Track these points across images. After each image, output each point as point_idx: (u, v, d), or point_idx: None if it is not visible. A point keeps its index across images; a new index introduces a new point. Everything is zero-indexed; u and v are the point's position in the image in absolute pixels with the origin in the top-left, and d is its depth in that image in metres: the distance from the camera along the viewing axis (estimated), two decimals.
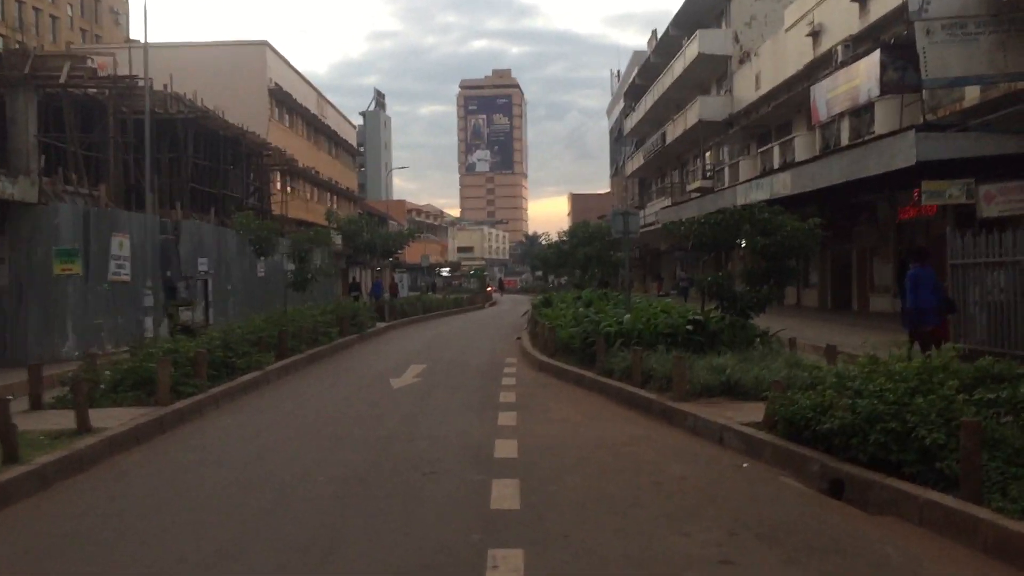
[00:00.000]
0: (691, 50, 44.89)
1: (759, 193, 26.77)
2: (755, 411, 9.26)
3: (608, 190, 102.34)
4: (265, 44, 45.53)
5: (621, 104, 76.28)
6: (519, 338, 22.94)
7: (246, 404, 11.86)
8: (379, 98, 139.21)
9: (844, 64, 27.17)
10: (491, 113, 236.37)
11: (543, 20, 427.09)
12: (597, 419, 10.52)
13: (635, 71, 65.78)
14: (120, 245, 19.79)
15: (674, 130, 49.38)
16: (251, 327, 16.19)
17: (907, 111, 23.40)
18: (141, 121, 25.28)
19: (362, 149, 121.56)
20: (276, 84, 45.60)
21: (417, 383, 13.98)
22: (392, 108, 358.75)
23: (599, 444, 8.87)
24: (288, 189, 48.54)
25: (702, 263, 42.74)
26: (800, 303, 34.61)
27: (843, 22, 28.80)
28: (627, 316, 14.35)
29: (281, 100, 47.00)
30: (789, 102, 33.79)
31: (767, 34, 40.31)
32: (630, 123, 66.31)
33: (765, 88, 37.07)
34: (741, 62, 42.37)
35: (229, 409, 11.38)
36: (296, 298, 24.33)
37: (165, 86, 27.97)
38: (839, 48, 27.90)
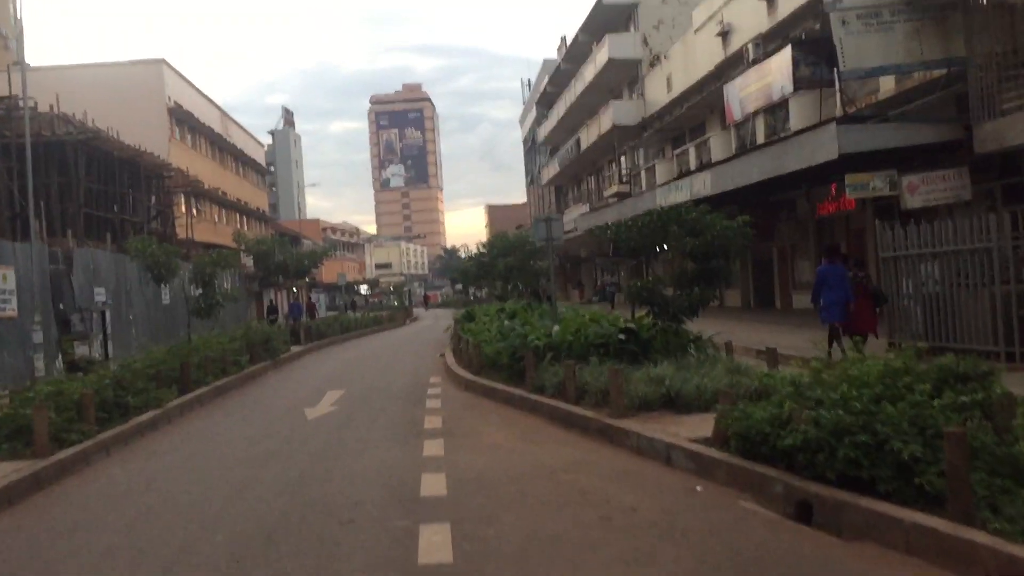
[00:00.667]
0: (601, 55, 44.70)
1: (679, 195, 26.43)
2: (701, 425, 8.57)
3: (524, 200, 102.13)
4: (162, 62, 43.67)
5: (534, 113, 76.00)
6: (442, 355, 22.00)
7: (141, 448, 10.65)
8: (287, 116, 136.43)
9: (755, 62, 27.10)
10: (403, 127, 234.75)
11: (451, 35, 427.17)
12: (532, 442, 9.69)
13: (546, 79, 65.57)
14: (3, 278, 18.22)
15: (588, 136, 49.13)
16: (151, 360, 14.93)
17: (823, 106, 23.32)
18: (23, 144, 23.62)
19: (272, 168, 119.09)
20: (176, 103, 43.77)
21: (334, 412, 12.93)
22: (303, 126, 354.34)
23: (537, 472, 8.04)
24: (194, 211, 46.63)
25: (627, 268, 42.58)
26: (723, 304, 34.43)
27: (752, 21, 28.74)
28: (556, 328, 13.57)
29: (182, 119, 45.15)
30: (702, 103, 33.72)
31: (676, 37, 40.30)
32: (543, 131, 66.00)
33: (677, 90, 37.00)
34: (651, 65, 42.31)
35: (121, 456, 10.17)
36: (204, 325, 22.95)
37: (51, 107, 26.25)
38: (749, 47, 27.82)
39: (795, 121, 23.88)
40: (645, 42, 43.07)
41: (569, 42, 55.55)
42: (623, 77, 45.70)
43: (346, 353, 26.51)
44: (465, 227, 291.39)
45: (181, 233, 40.43)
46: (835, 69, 23.86)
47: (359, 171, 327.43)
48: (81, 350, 20.22)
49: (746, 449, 7.12)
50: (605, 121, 44.85)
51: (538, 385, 12.21)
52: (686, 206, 14.15)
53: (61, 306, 20.72)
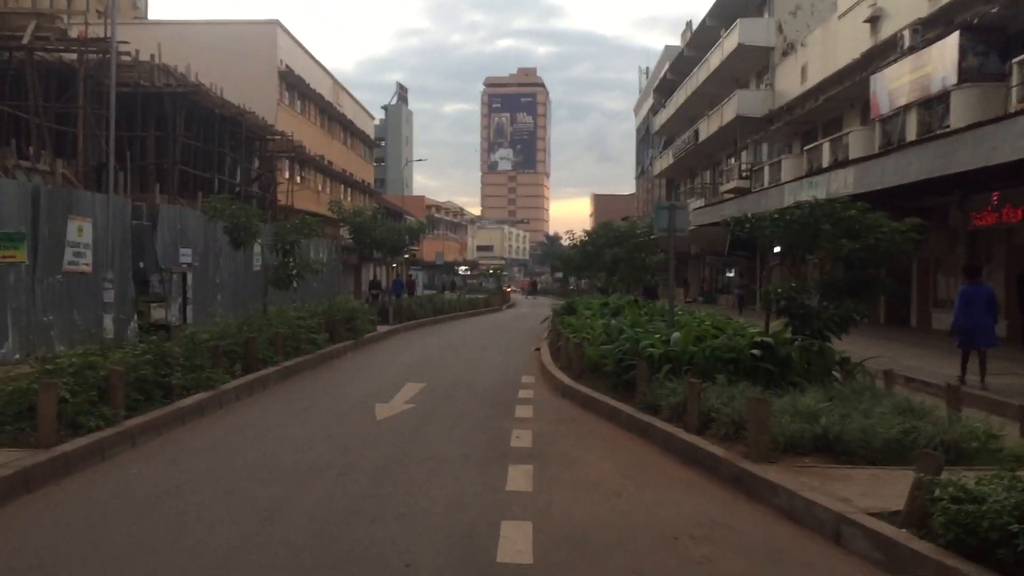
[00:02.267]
0: (730, 41, 41.87)
1: (812, 192, 23.74)
2: (875, 486, 6.44)
3: (632, 192, 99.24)
4: (276, 23, 42.78)
5: (650, 102, 73.27)
6: (538, 349, 20.08)
7: (174, 441, 9.00)
8: (401, 92, 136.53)
9: (912, 50, 24.21)
10: (515, 112, 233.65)
11: (569, 21, 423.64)
12: (645, 483, 7.63)
13: (666, 66, 62.76)
14: (79, 230, 17.07)
15: (708, 127, 46.38)
16: (216, 331, 13.43)
17: (991, 102, 20.39)
18: (122, 94, 22.63)
19: (383, 143, 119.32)
20: (287, 66, 42.89)
21: (408, 412, 11.10)
22: (416, 105, 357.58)
23: (654, 535, 5.98)
24: (298, 179, 45.87)
25: (744, 268, 39.75)
26: None
27: (909, 5, 25.76)
28: (675, 334, 11.41)
29: (292, 84, 44.29)
30: (841, 95, 30.79)
31: (814, 24, 37.29)
32: (659, 120, 63.30)
33: (813, 81, 34.05)
34: (784, 54, 39.32)
35: (147, 449, 8.54)
36: (287, 297, 21.58)
37: (152, 56, 25.28)
38: (905, 33, 24.88)
39: (956, 117, 21.00)
40: (780, 29, 40.04)
41: (695, 27, 52.70)
42: (751, 66, 42.80)
43: (435, 338, 24.80)
44: (569, 215, 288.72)
45: (282, 200, 39.60)
46: (1008, 61, 21.01)
47: (469, 153, 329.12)
48: (158, 313, 19.03)
49: (967, 545, 4.93)
50: (728, 111, 42.05)
51: (650, 403, 10.11)
52: (843, 201, 11.79)
53: (142, 265, 19.57)
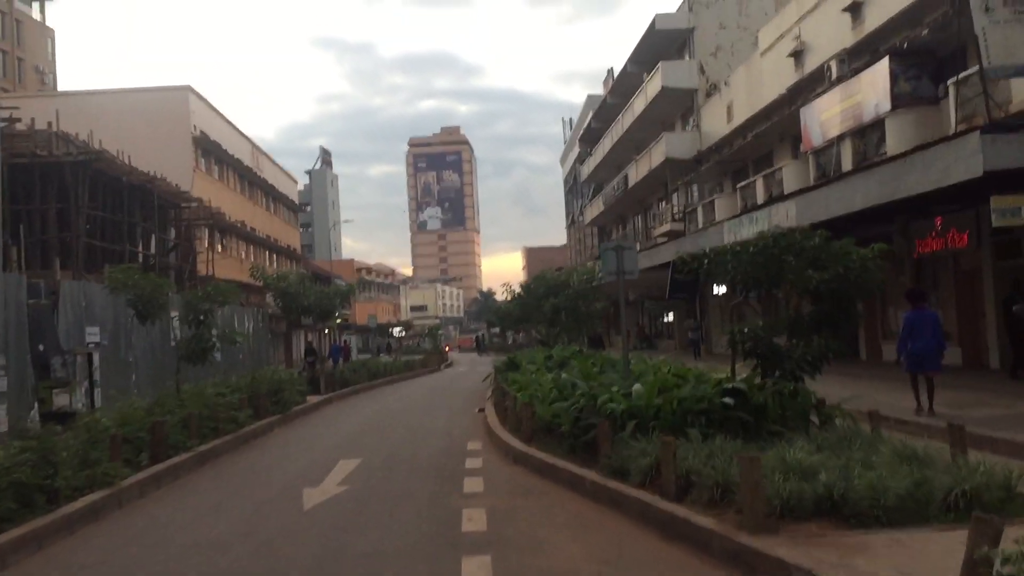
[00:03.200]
0: (653, 85, 41.78)
1: (752, 228, 23.15)
2: (905, 555, 5.32)
3: (563, 243, 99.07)
4: (188, 89, 41.36)
5: (576, 151, 73.38)
6: (481, 410, 18.78)
7: (56, 557, 7.45)
8: (325, 156, 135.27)
9: (840, 80, 23.93)
10: (441, 170, 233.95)
11: (490, 79, 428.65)
12: (625, 569, 6.41)
13: (590, 115, 62.87)
14: None
15: (637, 171, 46.10)
16: (123, 416, 11.88)
17: (927, 127, 20.05)
18: (16, 165, 21.06)
19: (308, 208, 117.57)
20: (201, 132, 41.40)
21: (342, 496, 9.69)
22: (342, 169, 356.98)
23: None
24: (219, 247, 44.09)
25: (693, 311, 39.02)
26: None
27: (833, 36, 25.62)
28: (636, 386, 10.27)
29: (208, 149, 42.77)
30: (770, 131, 30.58)
31: (735, 63, 37.34)
32: (587, 169, 63.20)
33: (739, 119, 33.88)
34: (708, 95, 39.32)
35: (21, 572, 7.02)
36: (209, 371, 19.96)
37: (50, 124, 23.66)
38: (832, 64, 24.65)
39: (893, 143, 20.61)
40: (702, 70, 40.07)
41: (616, 75, 52.77)
42: (676, 108, 42.74)
43: (371, 405, 23.26)
44: (501, 271, 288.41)
45: (203, 270, 37.84)
46: (940, 84, 20.74)
47: (397, 214, 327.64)
48: (62, 400, 17.22)
49: None
50: (657, 155, 41.79)
51: (617, 466, 8.90)
52: (803, 231, 10.89)
53: (41, 348, 17.78)
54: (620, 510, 8.19)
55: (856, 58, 24.03)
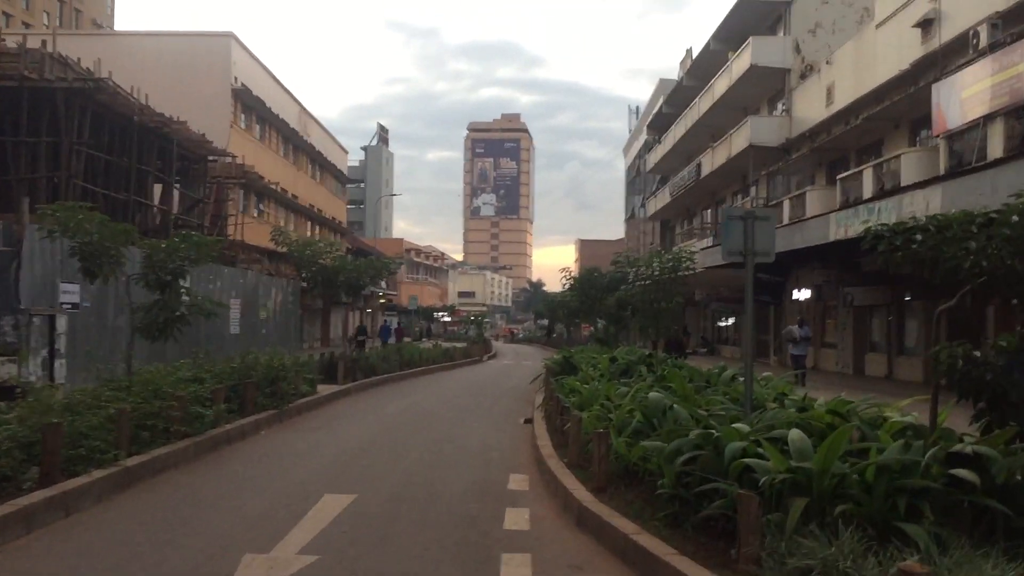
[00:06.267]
0: (740, 63, 37.43)
1: (871, 219, 19.01)
2: None
3: (619, 237, 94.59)
4: (230, 36, 38.02)
5: (641, 140, 68.98)
6: (529, 421, 14.97)
7: None
8: (382, 132, 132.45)
9: (994, 48, 19.57)
10: (498, 156, 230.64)
11: (553, 71, 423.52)
12: None
13: (661, 100, 58.49)
14: None
15: (713, 160, 41.80)
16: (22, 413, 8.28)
17: None
18: (9, 92, 17.75)
19: (362, 185, 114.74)
20: (243, 84, 38.06)
21: (308, 571, 5.92)
22: (400, 152, 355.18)
23: None
24: (255, 212, 40.81)
25: (802, 315, 34.62)
26: (892, 374, 26.63)
27: (974, 1, 21.30)
28: (794, 432, 6.28)
29: (249, 105, 39.43)
30: (882, 115, 26.21)
31: (836, 43, 32.92)
32: (653, 158, 58.87)
33: (842, 103, 29.51)
34: (803, 76, 34.86)
35: None
36: (223, 348, 16.36)
37: (44, 42, 20.28)
38: (981, 29, 20.28)
39: None
40: (797, 49, 35.64)
41: (695, 55, 48.38)
42: (763, 91, 38.40)
43: (395, 402, 19.36)
44: (551, 263, 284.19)
45: (233, 234, 34.51)
46: None
47: (451, 200, 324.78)
48: (6, 370, 13.81)
49: None
50: (738, 141, 37.48)
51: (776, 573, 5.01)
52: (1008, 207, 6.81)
53: None
54: None
55: (1012, 24, 19.69)
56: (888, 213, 18.15)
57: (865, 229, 6.91)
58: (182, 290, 11.74)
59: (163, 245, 11.60)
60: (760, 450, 6.23)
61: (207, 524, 7.26)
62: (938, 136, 21.70)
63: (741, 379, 11.13)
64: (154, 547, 6.51)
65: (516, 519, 7.71)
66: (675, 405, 8.56)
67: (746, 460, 6.08)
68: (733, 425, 7.03)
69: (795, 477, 5.57)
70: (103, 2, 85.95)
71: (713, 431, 6.87)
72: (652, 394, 9.19)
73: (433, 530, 7.22)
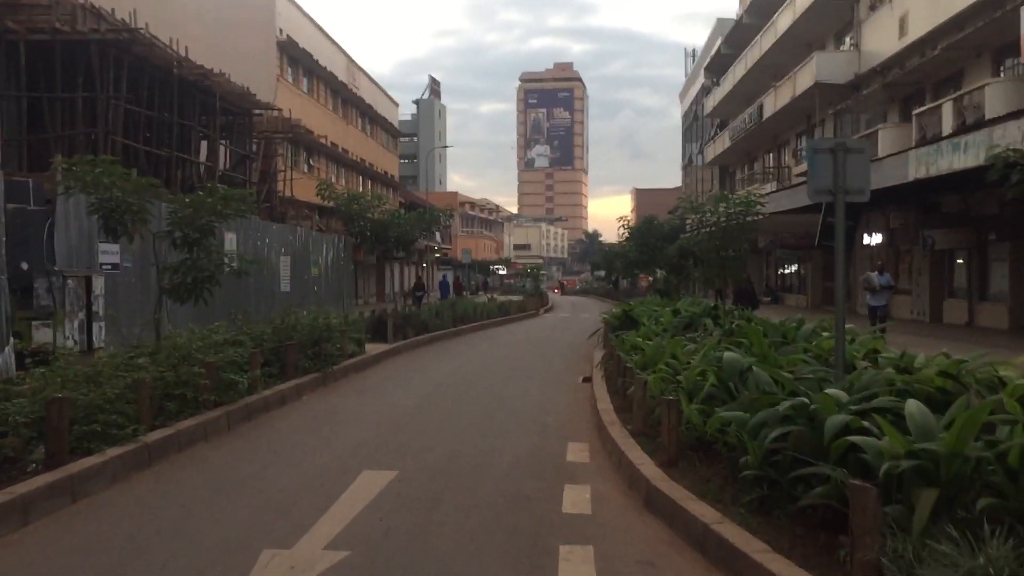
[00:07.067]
0: None
1: (958, 156, 17.57)
2: None
3: (676, 185, 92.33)
4: None
5: (698, 84, 66.76)
6: (587, 380, 14.06)
7: None
8: (434, 85, 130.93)
9: None
10: (551, 107, 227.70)
11: (604, 18, 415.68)
12: None
13: (719, 41, 56.27)
14: None
15: (776, 101, 39.92)
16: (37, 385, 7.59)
17: None
18: (33, 42, 17.09)
19: (415, 139, 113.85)
20: (288, 37, 37.22)
21: (337, 570, 5.12)
22: (452, 105, 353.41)
23: None
24: (305, 168, 40.19)
25: (880, 260, 33.04)
26: (973, 322, 25.08)
27: None
28: (912, 404, 5.23)
29: (295, 58, 38.63)
30: (963, 43, 24.36)
31: None
32: (711, 102, 56.83)
33: (917, 33, 27.55)
34: (873, 7, 32.79)
35: None
36: (273, 305, 15.67)
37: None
38: None
39: None
40: None
41: None
42: (829, 25, 36.41)
43: (447, 361, 18.57)
44: (606, 214, 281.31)
45: (283, 190, 33.95)
46: None
47: (504, 153, 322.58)
48: (43, 335, 13.29)
49: None
50: (803, 79, 35.59)
51: None
52: None
53: (25, 267, 13.85)
54: None
55: None
56: (976, 147, 16.67)
57: (993, 156, 5.75)
58: (213, 247, 10.95)
59: (187, 200, 10.80)
60: (865, 424, 5.20)
61: (228, 510, 6.47)
62: None
63: (825, 334, 10.03)
64: (163, 540, 5.74)
65: (576, 499, 6.80)
66: (754, 367, 7.53)
67: (851, 438, 5.04)
68: (827, 391, 5.99)
69: (920, 463, 4.52)
70: None
71: (806, 400, 5.84)
72: (727, 354, 8.15)
73: (481, 515, 6.34)
